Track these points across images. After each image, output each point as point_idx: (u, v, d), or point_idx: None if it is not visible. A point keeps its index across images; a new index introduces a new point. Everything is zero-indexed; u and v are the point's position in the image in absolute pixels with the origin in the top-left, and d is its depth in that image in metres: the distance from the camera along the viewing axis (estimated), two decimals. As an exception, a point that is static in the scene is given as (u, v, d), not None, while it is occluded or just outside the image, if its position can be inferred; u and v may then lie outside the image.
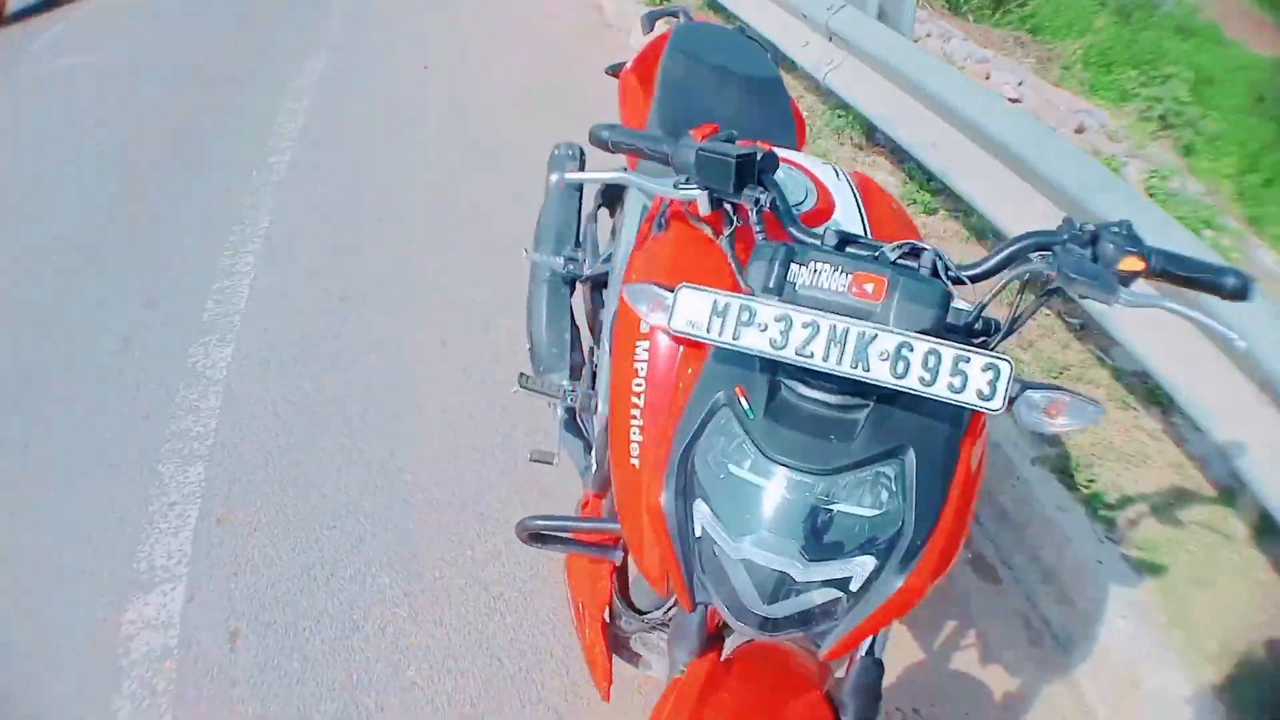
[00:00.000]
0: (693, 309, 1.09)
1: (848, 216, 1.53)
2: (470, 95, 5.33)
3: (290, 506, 2.63)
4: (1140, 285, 1.16)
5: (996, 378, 1.01)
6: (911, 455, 1.08)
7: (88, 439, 2.82)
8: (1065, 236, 1.17)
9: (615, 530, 1.64)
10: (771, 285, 1.08)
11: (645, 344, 1.37)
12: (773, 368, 1.11)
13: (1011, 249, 1.21)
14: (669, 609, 1.72)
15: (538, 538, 1.68)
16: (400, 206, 4.17)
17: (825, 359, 1.03)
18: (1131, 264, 1.13)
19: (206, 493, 2.64)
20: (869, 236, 1.47)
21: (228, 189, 4.17)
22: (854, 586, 1.07)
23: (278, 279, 3.59)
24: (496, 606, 2.42)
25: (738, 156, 1.20)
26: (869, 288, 1.05)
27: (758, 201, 1.23)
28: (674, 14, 2.68)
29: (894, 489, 1.07)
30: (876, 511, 1.06)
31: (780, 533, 1.06)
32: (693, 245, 1.42)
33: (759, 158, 1.24)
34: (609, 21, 6.87)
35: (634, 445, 1.34)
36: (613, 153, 1.44)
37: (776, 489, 1.07)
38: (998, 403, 1.01)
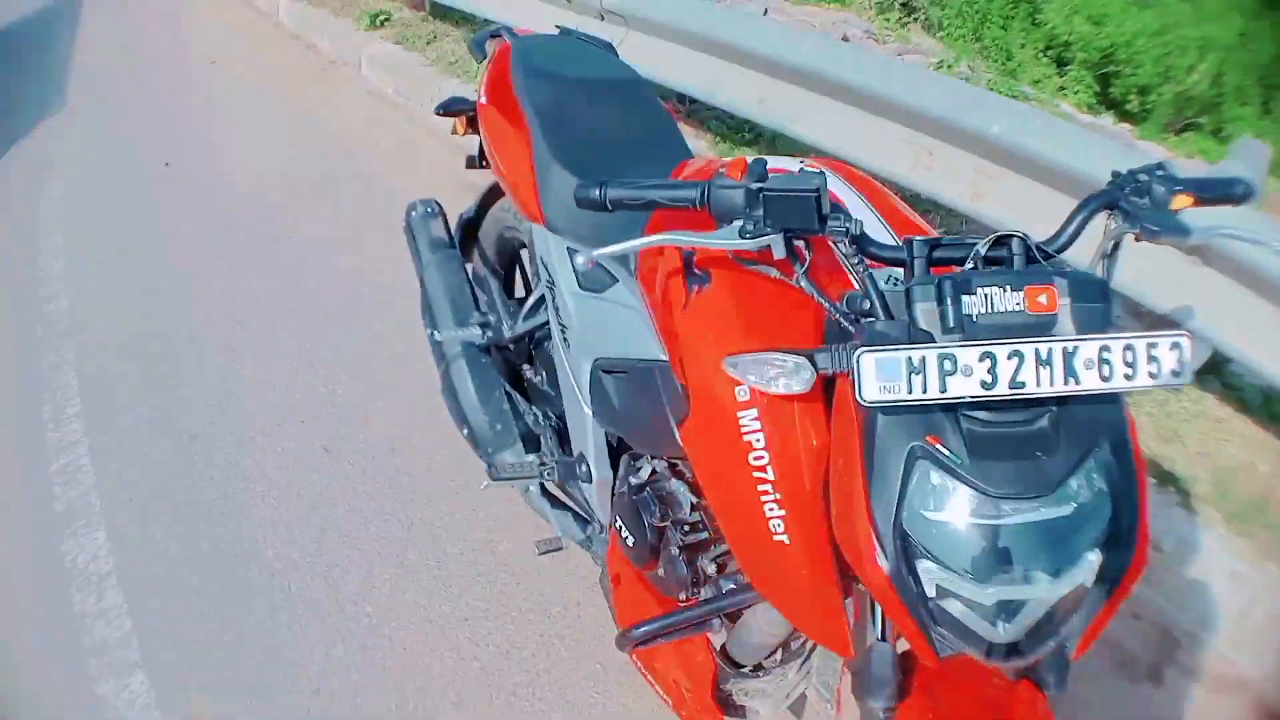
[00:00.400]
0: (883, 374, 1.01)
1: (865, 217, 1.44)
2: (234, 183, 4.89)
3: (258, 683, 2.32)
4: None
5: (1182, 353, 1.02)
6: (1105, 443, 1.07)
7: (12, 686, 2.40)
8: (1126, 190, 1.24)
9: (722, 608, 1.58)
10: (953, 324, 1.03)
11: (751, 413, 1.24)
12: (950, 405, 1.05)
13: (1083, 215, 1.25)
14: (773, 653, 1.69)
15: (640, 643, 1.56)
16: (206, 316, 3.78)
17: (1038, 384, 1.01)
18: (1181, 201, 1.22)
19: (161, 702, 2.29)
20: (893, 234, 1.40)
21: (18, 356, 3.66)
22: (1089, 583, 1.07)
23: (114, 436, 3.16)
24: (536, 708, 2.24)
25: (817, 189, 1.10)
26: (1042, 299, 1.03)
27: (847, 230, 1.13)
28: (496, 34, 2.49)
29: (1101, 479, 1.07)
30: (1093, 506, 1.06)
31: (1027, 564, 1.04)
32: (758, 294, 1.31)
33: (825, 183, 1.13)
34: (330, 59, 6.56)
35: (775, 521, 1.23)
36: (610, 212, 1.26)
37: (1013, 524, 1.03)
38: (1187, 376, 1.03)
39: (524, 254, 2.76)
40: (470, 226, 2.75)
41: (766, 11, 6.27)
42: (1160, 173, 1.23)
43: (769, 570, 1.29)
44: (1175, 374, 1.02)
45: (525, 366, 2.46)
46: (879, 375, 1.01)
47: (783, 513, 1.22)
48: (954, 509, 1.04)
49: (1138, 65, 6.81)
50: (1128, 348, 1.02)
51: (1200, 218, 1.26)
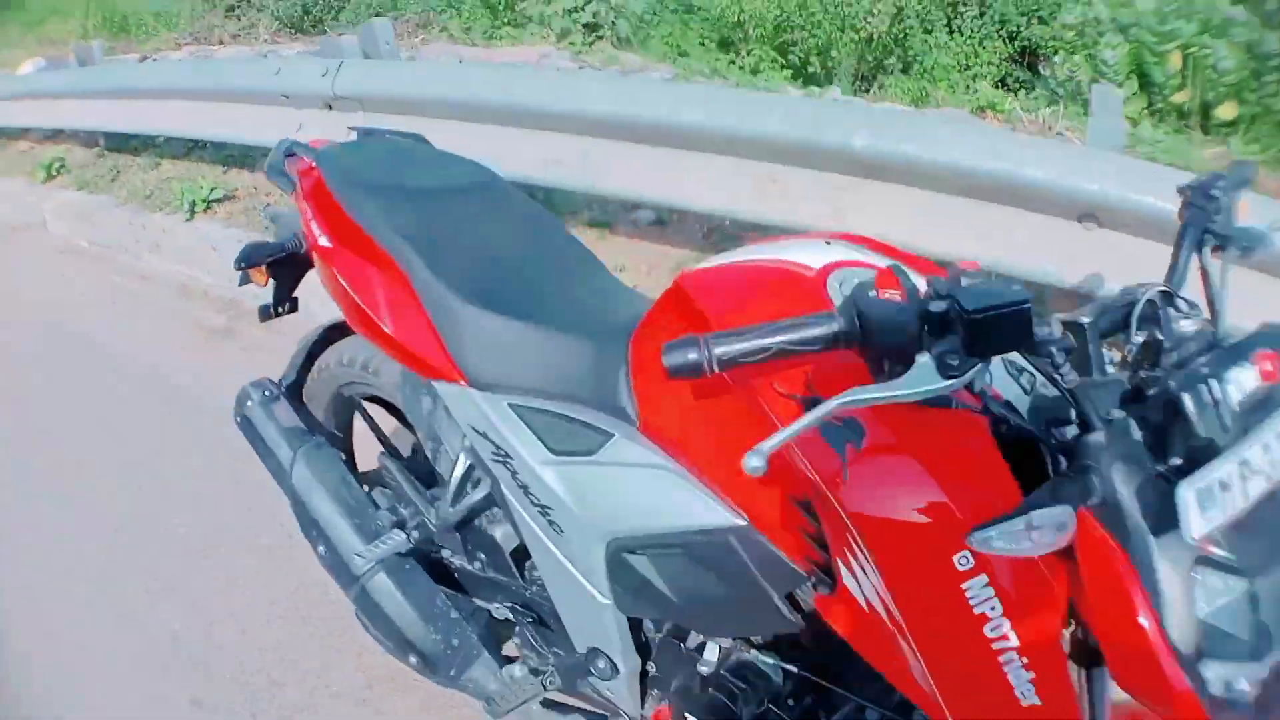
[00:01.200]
0: (1208, 505, 0.89)
1: (921, 285, 1.25)
2: None
3: None
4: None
5: None
6: None
7: None
8: (1209, 210, 1.20)
9: None
10: (1230, 423, 0.92)
11: (980, 580, 1.05)
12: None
13: (1186, 249, 1.20)
14: None
15: None
16: None
17: None
18: (1244, 206, 1.21)
19: None
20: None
21: None
22: None
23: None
24: None
25: (1027, 301, 0.91)
26: (1268, 365, 0.96)
27: (1061, 342, 0.98)
28: (291, 153, 2.02)
29: None
30: None
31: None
32: (928, 432, 1.09)
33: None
34: (13, 225, 5.72)
35: (1024, 688, 1.08)
36: (709, 375, 0.99)
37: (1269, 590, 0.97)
38: None
39: (367, 407, 2.24)
40: (293, 394, 2.23)
41: (462, 60, 6.04)
42: (1222, 182, 1.21)
43: None
44: None
45: (452, 556, 2.01)
46: (1204, 509, 0.89)
47: (1031, 675, 1.07)
48: (1234, 605, 0.97)
49: (816, 26, 6.96)
50: None
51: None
